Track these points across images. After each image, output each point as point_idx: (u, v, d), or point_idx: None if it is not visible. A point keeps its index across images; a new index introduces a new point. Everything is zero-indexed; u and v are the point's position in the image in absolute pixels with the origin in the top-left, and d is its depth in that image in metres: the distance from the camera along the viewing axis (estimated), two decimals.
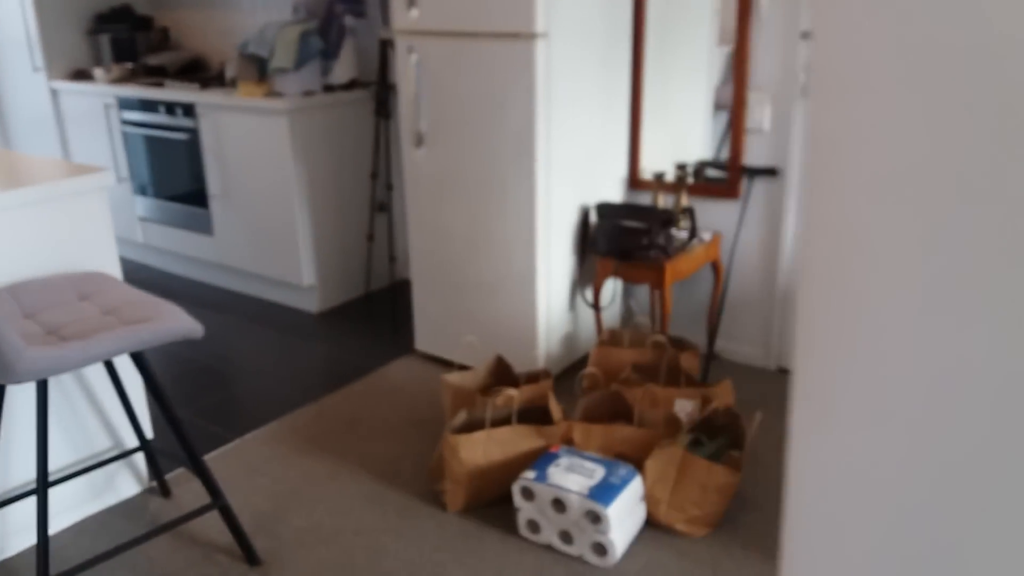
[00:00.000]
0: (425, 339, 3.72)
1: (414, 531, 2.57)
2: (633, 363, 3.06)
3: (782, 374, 3.56)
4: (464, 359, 3.59)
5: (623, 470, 2.48)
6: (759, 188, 3.40)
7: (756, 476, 2.81)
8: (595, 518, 2.36)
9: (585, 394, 3.15)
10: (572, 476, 2.44)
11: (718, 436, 2.75)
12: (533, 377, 3.00)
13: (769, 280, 3.48)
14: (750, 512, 2.63)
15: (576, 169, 3.31)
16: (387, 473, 2.88)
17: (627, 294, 3.87)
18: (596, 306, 3.42)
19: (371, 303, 4.51)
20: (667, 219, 3.16)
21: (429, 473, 2.74)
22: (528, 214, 3.17)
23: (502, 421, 2.71)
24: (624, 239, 3.22)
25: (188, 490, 2.82)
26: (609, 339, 3.30)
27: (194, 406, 3.42)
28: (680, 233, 3.37)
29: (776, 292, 3.47)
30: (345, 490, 2.79)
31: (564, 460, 2.52)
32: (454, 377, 2.97)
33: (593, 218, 3.50)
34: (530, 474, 2.47)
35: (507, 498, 2.70)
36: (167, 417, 2.29)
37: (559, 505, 2.42)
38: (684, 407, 2.88)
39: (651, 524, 2.57)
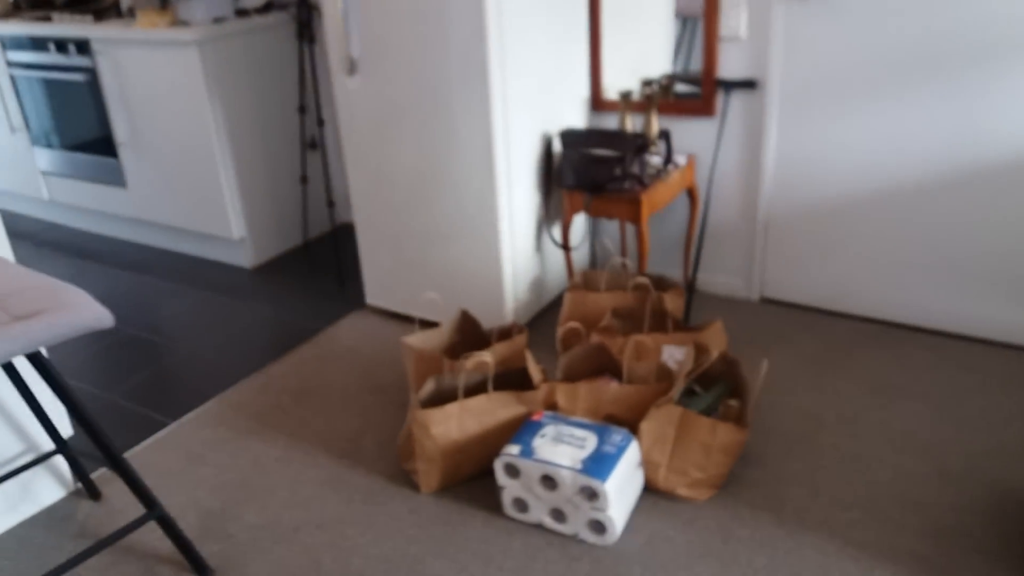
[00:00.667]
0: (377, 292, 3.36)
1: (385, 520, 2.27)
2: (613, 308, 2.76)
3: (766, 305, 3.31)
4: (424, 314, 3.25)
5: (617, 436, 2.20)
6: (737, 103, 3.07)
7: (755, 425, 2.57)
8: (591, 494, 2.08)
9: (565, 350, 2.86)
10: (561, 448, 2.16)
11: (713, 385, 2.49)
12: (505, 333, 2.68)
13: (750, 204, 3.19)
14: (754, 468, 2.39)
15: (535, 92, 2.93)
16: (348, 452, 2.55)
17: (594, 231, 3.55)
18: (566, 246, 3.09)
19: (311, 253, 4.10)
20: (641, 145, 2.82)
21: (397, 452, 2.43)
22: (484, 147, 2.79)
23: (476, 388, 2.40)
24: (594, 170, 2.87)
25: (120, 489, 2.46)
26: (583, 282, 2.98)
27: (119, 388, 3.02)
28: (654, 158, 3.04)
29: (758, 217, 3.18)
30: (302, 476, 2.46)
31: (550, 429, 2.23)
32: (416, 339, 2.63)
33: (557, 147, 3.14)
34: (513, 449, 2.18)
35: (487, 473, 2.41)
36: (79, 421, 1.91)
37: (549, 482, 2.13)
38: (674, 355, 2.61)
39: (649, 490, 2.32)
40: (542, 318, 3.29)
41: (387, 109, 2.95)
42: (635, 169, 2.84)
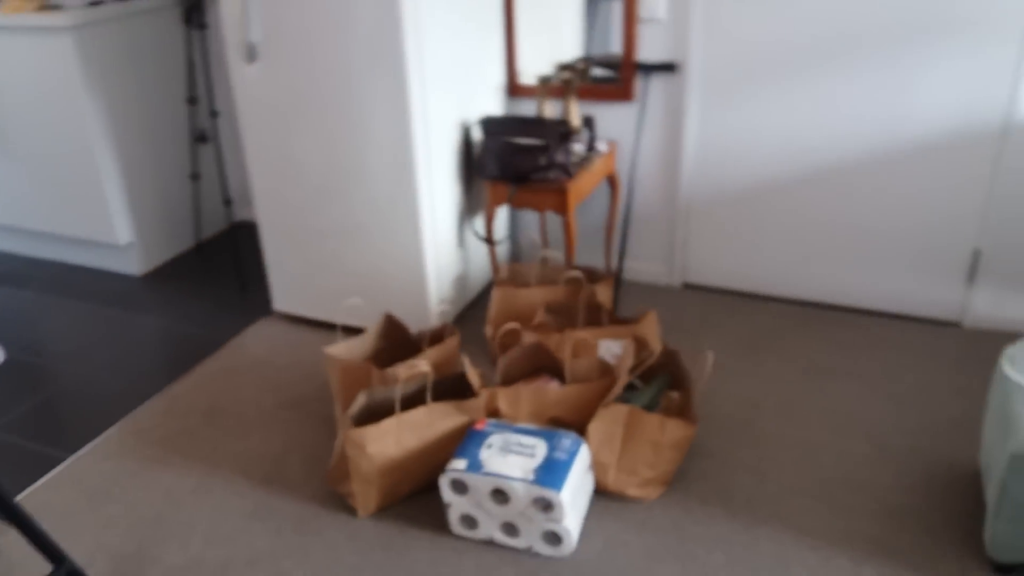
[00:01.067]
0: (285, 296, 3.13)
1: (321, 550, 2.09)
2: (546, 304, 2.65)
3: (689, 291, 3.28)
4: (340, 319, 3.05)
5: (566, 440, 2.10)
6: (657, 87, 3.01)
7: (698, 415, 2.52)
8: (546, 505, 1.97)
9: (499, 349, 2.74)
10: (510, 458, 2.03)
11: (653, 378, 2.42)
12: (436, 336, 2.53)
13: (671, 190, 3.14)
14: (700, 459, 2.34)
15: (452, 77, 2.78)
16: (272, 476, 2.35)
17: (514, 223, 3.43)
18: (490, 240, 2.96)
19: (206, 256, 3.81)
20: (566, 132, 2.72)
21: (328, 474, 2.25)
22: (402, 136, 2.62)
23: (411, 399, 2.24)
24: (518, 159, 2.75)
25: (16, 540, 2.18)
26: (510, 278, 2.86)
27: (1, 421, 2.70)
28: (577, 146, 2.94)
29: (679, 202, 3.14)
30: (223, 507, 2.25)
31: (496, 438, 2.10)
32: (339, 349, 2.45)
33: (476, 136, 2.99)
34: (459, 463, 2.04)
35: (429, 488, 2.27)
36: None
37: (501, 496, 2.01)
38: (611, 349, 2.52)
39: (599, 492, 2.23)
40: (467, 315, 3.15)
41: (291, 99, 2.73)
42: (560, 158, 2.73)
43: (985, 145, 2.67)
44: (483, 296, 3.28)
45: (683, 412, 2.30)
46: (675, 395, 2.38)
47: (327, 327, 3.12)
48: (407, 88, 2.54)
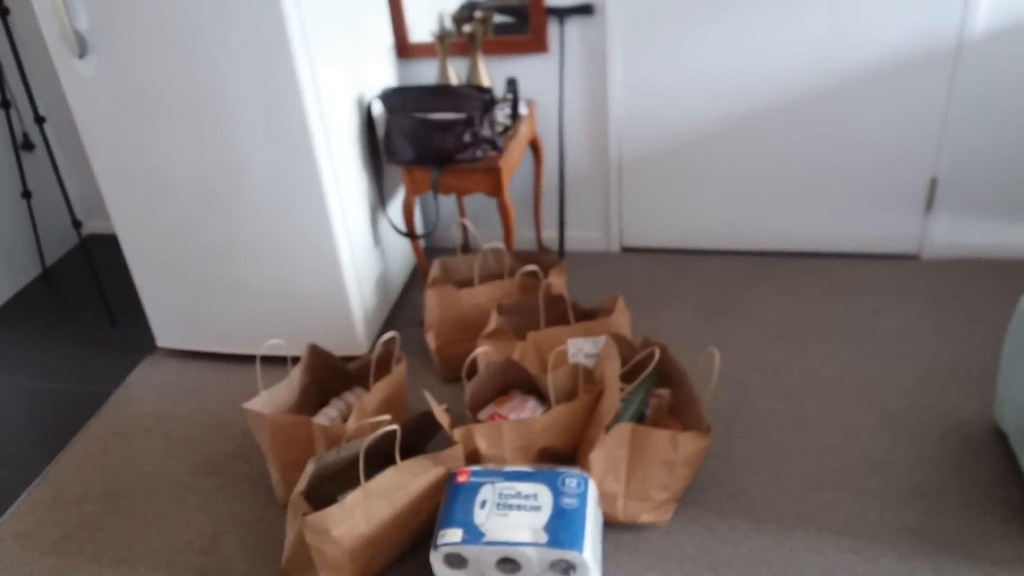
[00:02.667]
0: (169, 329, 2.61)
1: None
2: (496, 304, 2.28)
3: (629, 254, 2.99)
4: (244, 349, 2.57)
5: (571, 480, 1.77)
6: (573, 34, 2.63)
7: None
8: (566, 568, 1.66)
9: (450, 364, 2.36)
10: (513, 516, 1.69)
11: (635, 376, 2.13)
12: (380, 365, 2.12)
13: (599, 148, 2.81)
14: (705, 465, 2.08)
15: (339, 41, 2.29)
16: (208, 570, 1.91)
17: (425, 209, 3.01)
18: (412, 234, 2.54)
19: (58, 284, 3.18)
20: (490, 101, 2.31)
21: (285, 567, 1.83)
22: (295, 124, 2.14)
23: (369, 452, 1.85)
24: (436, 138, 2.33)
25: None
26: (442, 276, 2.47)
27: None
28: (500, 113, 2.54)
29: (610, 160, 2.81)
30: None
31: (487, 492, 1.75)
32: (261, 403, 2.00)
33: (378, 113, 2.54)
34: (453, 534, 1.68)
35: (412, 552, 1.90)
36: None
37: (510, 565, 1.67)
38: (583, 349, 2.20)
39: (607, 523, 1.94)
40: (393, 318, 2.74)
41: (144, 97, 2.18)
42: (486, 132, 2.33)
43: (938, 68, 2.47)
44: (406, 296, 2.87)
45: (680, 414, 2.02)
46: (663, 392, 2.10)
47: (228, 360, 2.63)
48: (292, 57, 2.05)
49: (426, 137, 2.34)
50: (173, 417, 2.40)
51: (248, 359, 2.62)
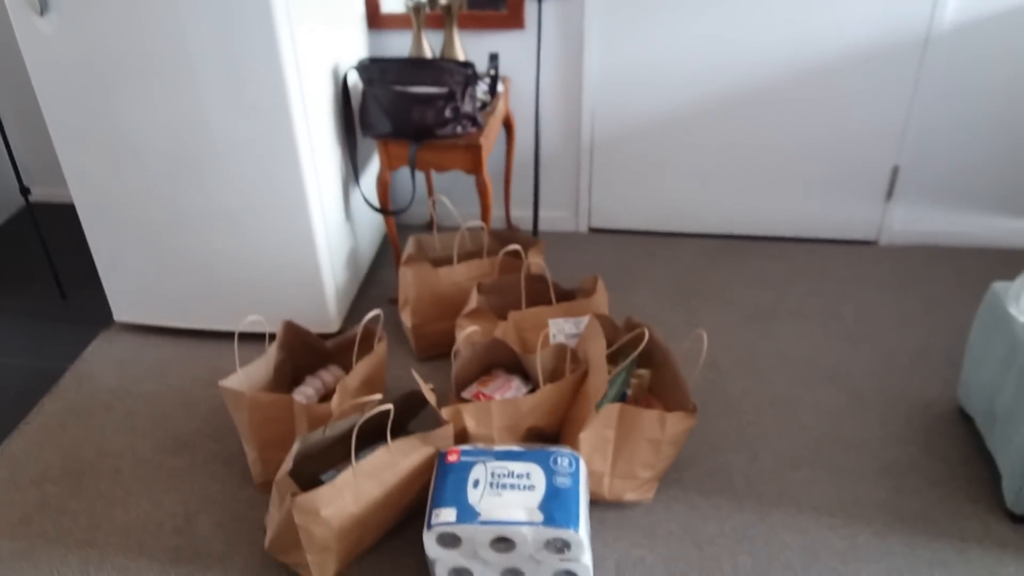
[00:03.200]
0: (128, 303, 2.50)
1: None
2: (476, 284, 2.26)
3: (597, 235, 2.99)
4: (204, 325, 2.48)
5: (563, 459, 1.77)
6: (550, 11, 2.61)
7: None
8: (561, 546, 1.66)
9: (426, 344, 2.34)
10: (507, 496, 1.68)
11: (618, 357, 2.14)
12: (364, 343, 2.08)
13: (571, 129, 2.80)
14: (684, 444, 2.10)
15: (319, 8, 2.22)
16: (182, 552, 1.85)
17: (393, 185, 2.95)
18: (386, 209, 2.49)
19: (3, 256, 3.02)
20: (471, 76, 2.27)
21: (270, 547, 1.78)
22: (275, 91, 2.06)
23: (348, 435, 1.81)
24: (416, 112, 2.28)
25: None
26: (417, 254, 2.43)
27: None
28: (478, 90, 2.50)
29: (582, 141, 2.81)
30: None
31: (480, 471, 1.74)
32: (238, 381, 1.94)
33: (353, 84, 2.47)
34: (447, 514, 1.66)
35: (398, 531, 1.87)
36: None
37: (504, 544, 1.67)
38: (563, 329, 2.20)
39: (592, 502, 1.95)
40: (362, 298, 2.68)
41: (108, 59, 2.07)
42: (468, 107, 2.29)
43: (906, 59, 2.54)
44: (375, 271, 2.82)
45: (661, 394, 2.04)
46: (644, 372, 2.11)
47: (189, 335, 2.54)
48: (272, 19, 1.97)
49: (405, 111, 2.29)
50: (135, 394, 2.31)
51: (210, 335, 2.53)
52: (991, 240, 2.80)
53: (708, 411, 2.20)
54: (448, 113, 2.27)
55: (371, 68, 2.31)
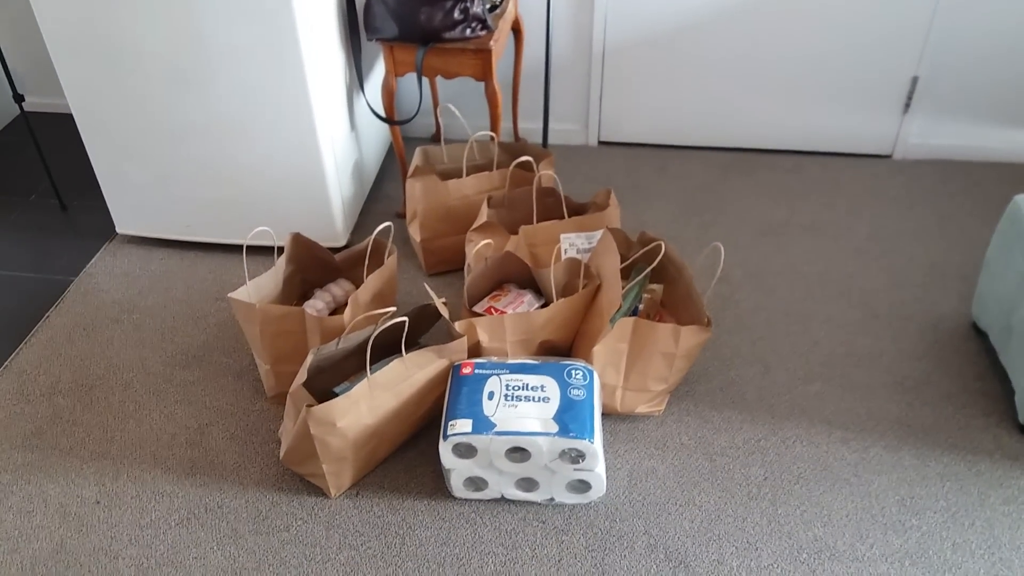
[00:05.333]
0: (130, 215, 2.45)
1: (300, 551, 1.68)
2: (487, 197, 2.21)
3: (607, 148, 2.93)
4: (208, 237, 2.44)
5: (577, 372, 1.76)
6: None
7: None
8: (576, 456, 1.66)
9: (435, 259, 2.30)
10: (522, 407, 1.68)
11: (630, 272, 2.11)
12: (375, 255, 2.05)
13: (583, 36, 2.70)
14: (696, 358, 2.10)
15: None
16: (196, 463, 1.86)
17: (401, 93, 2.86)
18: (391, 119, 2.42)
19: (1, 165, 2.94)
20: None
21: (285, 458, 1.79)
22: None
23: (362, 347, 1.80)
24: (424, 13, 2.18)
25: None
26: (425, 166, 2.37)
27: None
28: None
29: (592, 50, 2.71)
30: (146, 517, 1.74)
31: (495, 383, 1.73)
32: (247, 294, 1.91)
33: None
34: (463, 424, 1.66)
35: (411, 443, 1.88)
36: None
37: (520, 454, 1.67)
38: (575, 244, 2.17)
39: (604, 415, 1.95)
40: (368, 212, 2.64)
41: None
42: (477, 8, 2.20)
43: None
44: (380, 185, 2.76)
45: (674, 309, 2.02)
46: (656, 288, 2.09)
47: (194, 247, 2.50)
48: None
49: (412, 12, 2.19)
50: (141, 307, 2.29)
51: (215, 248, 2.49)
52: (1008, 154, 2.75)
53: (720, 326, 2.19)
54: (457, 14, 2.18)
55: None
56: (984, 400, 1.95)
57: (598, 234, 2.14)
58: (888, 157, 2.82)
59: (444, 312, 1.82)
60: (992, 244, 2.00)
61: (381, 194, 2.73)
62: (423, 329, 2.01)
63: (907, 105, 2.69)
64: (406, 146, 2.87)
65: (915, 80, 2.64)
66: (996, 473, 1.78)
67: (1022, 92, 2.62)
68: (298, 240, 2.05)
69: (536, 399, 1.70)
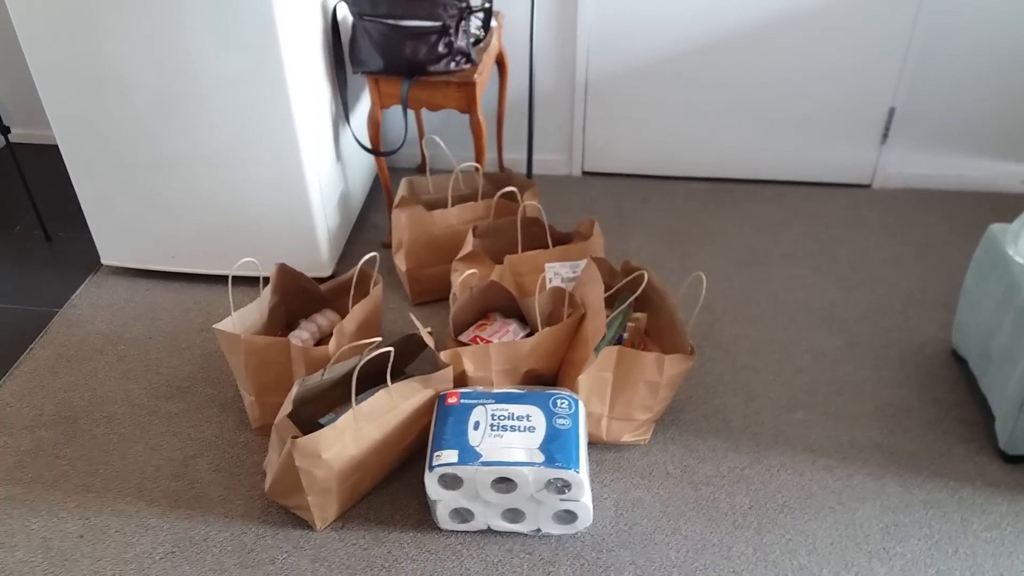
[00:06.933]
0: (115, 245, 2.45)
1: None
2: (472, 227, 2.23)
3: (590, 178, 2.96)
4: (194, 268, 2.44)
5: (562, 401, 1.77)
6: None
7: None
8: (562, 486, 1.67)
9: (420, 288, 2.31)
10: (508, 437, 1.69)
11: (613, 301, 2.13)
12: (360, 286, 2.06)
13: (566, 68, 2.74)
14: (680, 387, 2.11)
15: None
16: (181, 496, 1.85)
17: (387, 124, 2.88)
18: (377, 150, 2.44)
19: None
20: (466, 9, 2.21)
21: (270, 491, 1.78)
22: (263, 20, 1.99)
23: (347, 378, 1.80)
24: (409, 47, 2.21)
25: None
26: (410, 196, 2.39)
27: None
28: (473, 24, 2.44)
29: (576, 81, 2.76)
30: (131, 551, 1.73)
31: (480, 413, 1.74)
32: (232, 325, 1.91)
33: (342, 15, 2.39)
34: (448, 455, 1.66)
35: (396, 475, 1.88)
36: None
37: (506, 484, 1.67)
38: (560, 273, 2.18)
39: (589, 444, 1.95)
40: (354, 242, 2.65)
41: None
42: (462, 42, 2.23)
43: None
44: (365, 215, 2.78)
45: (658, 337, 2.04)
46: (640, 316, 2.11)
47: (179, 279, 2.50)
48: None
49: (397, 46, 2.22)
50: (126, 339, 2.28)
51: (200, 279, 2.49)
52: (985, 184, 2.80)
53: (703, 354, 2.21)
54: (441, 48, 2.22)
55: (361, 1, 2.24)
56: (964, 427, 1.97)
57: (582, 263, 2.16)
58: (867, 187, 2.86)
59: (430, 342, 1.83)
60: (969, 272, 2.03)
61: (367, 224, 2.74)
62: (409, 359, 2.01)
63: (885, 135, 2.74)
64: (392, 177, 2.89)
65: (892, 111, 2.69)
66: (978, 500, 1.80)
67: (997, 122, 2.67)
68: (283, 271, 2.06)
69: (522, 429, 1.70)
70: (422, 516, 1.80)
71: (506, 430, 1.70)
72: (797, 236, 2.64)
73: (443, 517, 1.75)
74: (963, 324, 2.07)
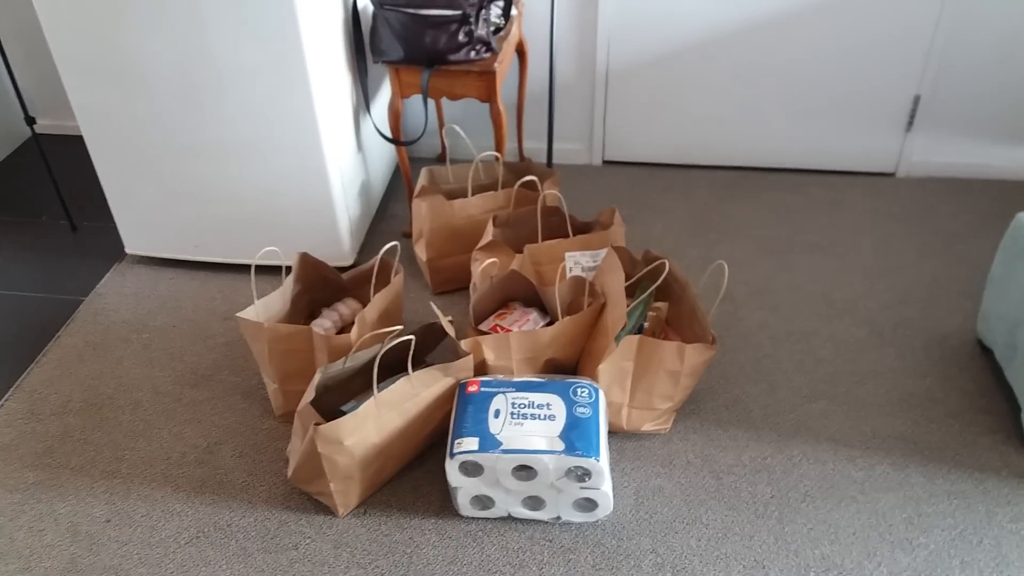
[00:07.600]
0: (140, 235, 2.48)
1: (307, 567, 1.68)
2: (492, 216, 2.23)
3: (611, 167, 2.95)
4: (217, 257, 2.46)
5: (582, 390, 1.77)
6: None
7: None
8: (582, 474, 1.67)
9: (441, 278, 2.32)
10: (528, 425, 1.69)
11: (635, 290, 2.12)
12: (381, 276, 2.06)
13: (586, 56, 2.73)
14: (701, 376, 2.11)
15: None
16: (206, 482, 1.87)
17: (407, 114, 2.89)
18: (397, 139, 2.44)
19: (5, 188, 2.97)
20: None
21: (293, 477, 1.80)
22: (285, 10, 2.00)
23: (368, 366, 1.81)
24: (429, 36, 2.21)
25: None
26: (431, 186, 2.39)
27: None
28: (493, 12, 2.43)
29: (596, 70, 2.74)
30: (157, 536, 1.75)
31: (501, 402, 1.74)
32: (255, 313, 1.93)
33: (362, 4, 2.40)
34: (469, 442, 1.67)
35: (418, 462, 1.89)
36: None
37: (526, 472, 1.68)
38: (580, 262, 2.18)
39: (610, 433, 1.96)
40: (374, 232, 2.66)
41: None
42: (482, 31, 2.23)
43: None
44: (386, 205, 2.79)
45: (679, 327, 2.03)
46: (661, 306, 2.10)
47: (203, 267, 2.53)
48: None
49: (418, 35, 2.22)
50: (151, 327, 2.31)
51: (223, 267, 2.52)
52: (1012, 173, 2.76)
53: (725, 344, 2.20)
54: (462, 37, 2.21)
55: None
56: (990, 417, 1.95)
57: (603, 252, 2.16)
58: (891, 175, 2.83)
59: (450, 330, 1.84)
60: (996, 261, 2.01)
61: (387, 214, 2.75)
62: (429, 347, 2.02)
63: (910, 123, 2.71)
64: (412, 166, 2.90)
65: (917, 99, 2.66)
66: (1003, 490, 1.78)
67: (1023, 110, 2.64)
68: (305, 260, 2.07)
69: (542, 417, 1.71)
70: (443, 503, 1.81)
71: (526, 418, 1.71)
72: (820, 225, 2.62)
73: (464, 504, 1.76)
74: (989, 314, 2.05)
